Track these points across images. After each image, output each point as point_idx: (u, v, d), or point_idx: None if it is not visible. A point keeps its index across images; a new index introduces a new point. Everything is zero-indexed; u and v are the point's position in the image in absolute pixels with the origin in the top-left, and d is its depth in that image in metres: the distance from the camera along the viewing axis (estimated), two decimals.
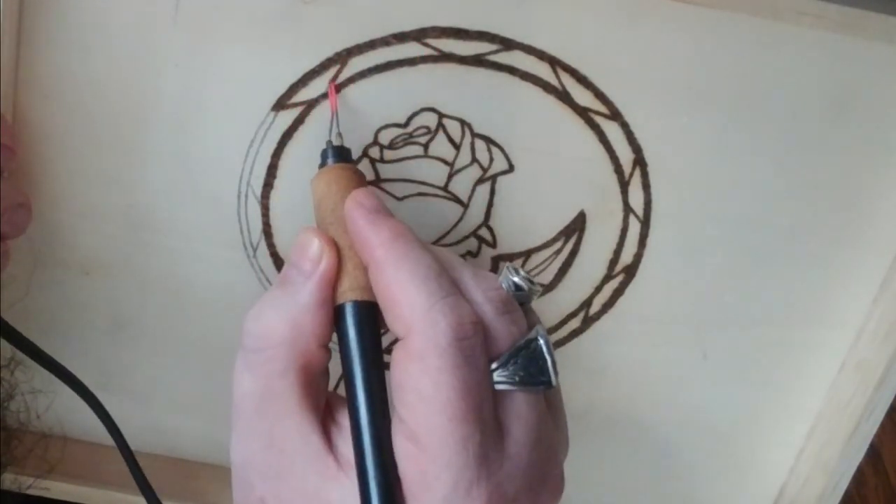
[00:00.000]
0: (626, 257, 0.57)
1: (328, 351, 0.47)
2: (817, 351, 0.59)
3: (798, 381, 0.61)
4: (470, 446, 0.41)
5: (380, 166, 0.55)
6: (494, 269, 0.58)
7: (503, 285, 0.45)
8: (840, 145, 0.53)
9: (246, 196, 0.56)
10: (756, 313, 0.59)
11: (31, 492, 0.64)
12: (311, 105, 0.53)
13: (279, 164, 0.55)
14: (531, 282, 0.46)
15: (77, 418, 0.64)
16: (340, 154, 0.50)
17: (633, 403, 0.62)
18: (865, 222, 0.56)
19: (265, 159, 0.55)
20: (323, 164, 0.50)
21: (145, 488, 0.59)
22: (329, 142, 0.51)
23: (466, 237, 0.57)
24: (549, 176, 0.55)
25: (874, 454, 0.74)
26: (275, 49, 0.52)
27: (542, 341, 0.44)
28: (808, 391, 0.61)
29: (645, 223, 0.56)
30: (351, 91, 0.53)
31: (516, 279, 0.46)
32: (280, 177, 0.55)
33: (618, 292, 0.58)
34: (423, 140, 0.54)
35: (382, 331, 0.47)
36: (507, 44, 0.51)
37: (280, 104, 0.53)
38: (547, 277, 0.58)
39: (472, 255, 0.57)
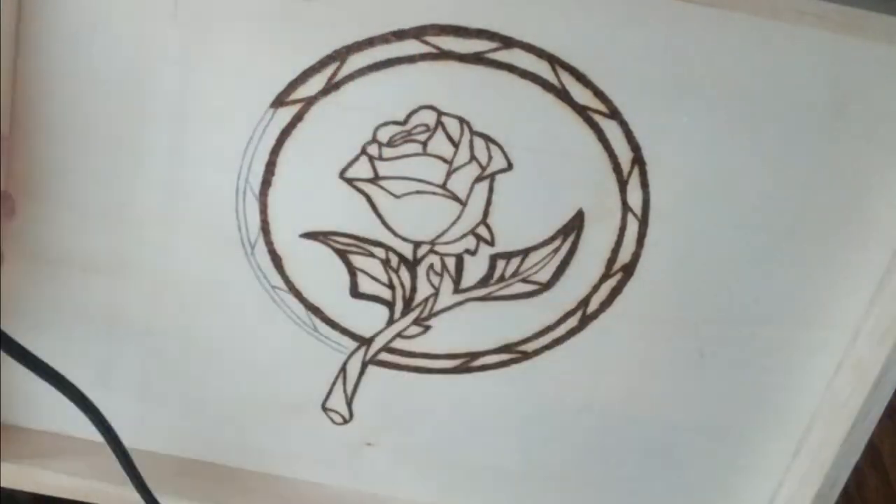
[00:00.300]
0: (625, 256, 0.57)
1: None
2: (814, 350, 0.59)
3: (795, 381, 0.60)
4: None
5: (378, 164, 0.55)
6: (492, 266, 0.58)
7: None
8: (840, 145, 0.53)
9: (244, 193, 0.56)
10: (753, 313, 0.59)
11: (32, 489, 0.64)
12: (309, 102, 0.53)
13: (277, 161, 0.55)
14: None
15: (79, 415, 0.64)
16: None
17: (630, 401, 0.62)
18: (863, 222, 0.56)
19: (263, 156, 0.55)
20: None
21: (141, 487, 0.60)
22: None
23: (465, 235, 0.57)
24: (548, 174, 0.55)
25: (874, 454, 0.74)
26: (274, 46, 0.52)
27: None
28: (805, 391, 0.61)
29: (643, 222, 0.56)
30: (350, 88, 0.53)
31: None
32: (278, 174, 0.55)
33: (616, 291, 0.58)
34: (421, 138, 0.54)
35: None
36: (507, 42, 0.51)
37: (279, 101, 0.53)
38: (545, 276, 0.58)
39: (470, 253, 0.57)
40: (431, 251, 0.57)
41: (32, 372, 0.54)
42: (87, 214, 0.57)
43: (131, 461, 0.59)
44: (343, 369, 0.62)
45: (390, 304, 0.59)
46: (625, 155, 0.54)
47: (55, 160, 0.55)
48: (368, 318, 0.60)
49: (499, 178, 0.55)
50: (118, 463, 0.59)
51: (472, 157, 0.54)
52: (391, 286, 0.59)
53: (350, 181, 0.55)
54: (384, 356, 0.61)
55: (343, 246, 0.57)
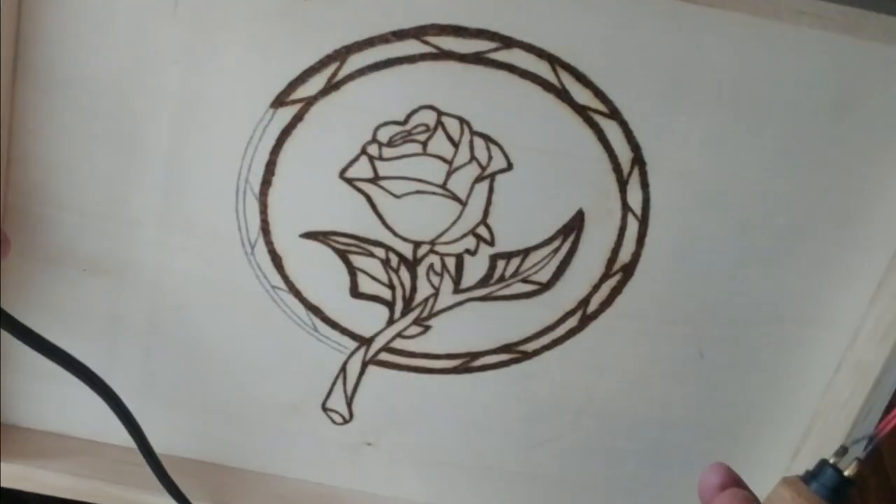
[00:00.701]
0: (624, 256, 0.57)
1: None
2: (814, 350, 0.59)
3: (795, 381, 0.60)
4: None
5: (378, 164, 0.55)
6: (492, 266, 0.58)
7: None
8: (839, 145, 0.53)
9: (244, 193, 0.56)
10: (753, 312, 0.59)
11: (32, 489, 0.64)
12: (309, 102, 0.53)
13: (277, 161, 0.55)
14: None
15: (79, 415, 0.64)
16: (838, 492, 0.43)
17: (630, 402, 0.62)
18: (863, 222, 0.56)
19: (263, 156, 0.55)
20: (812, 485, 0.43)
21: (167, 483, 0.60)
22: (835, 466, 0.43)
23: (465, 235, 0.57)
24: (548, 174, 0.55)
25: (874, 455, 0.74)
26: (274, 46, 0.52)
27: None
28: (805, 390, 0.61)
29: (643, 222, 0.56)
30: (350, 88, 0.53)
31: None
32: (278, 174, 0.55)
33: (616, 291, 0.58)
34: (421, 138, 0.54)
35: None
36: (507, 42, 0.51)
37: (279, 101, 0.53)
38: (545, 276, 0.58)
39: (470, 253, 0.57)
40: (431, 251, 0.57)
41: (45, 356, 0.55)
42: (87, 214, 0.57)
43: (142, 432, 0.60)
44: (343, 369, 0.62)
45: (390, 304, 0.59)
46: (625, 155, 0.54)
47: (55, 160, 0.55)
48: (368, 318, 0.60)
49: (499, 178, 0.55)
50: (119, 458, 0.59)
51: (472, 157, 0.54)
52: (391, 286, 0.59)
53: (350, 181, 0.55)
54: (384, 356, 0.61)
55: (343, 246, 0.57)
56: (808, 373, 0.60)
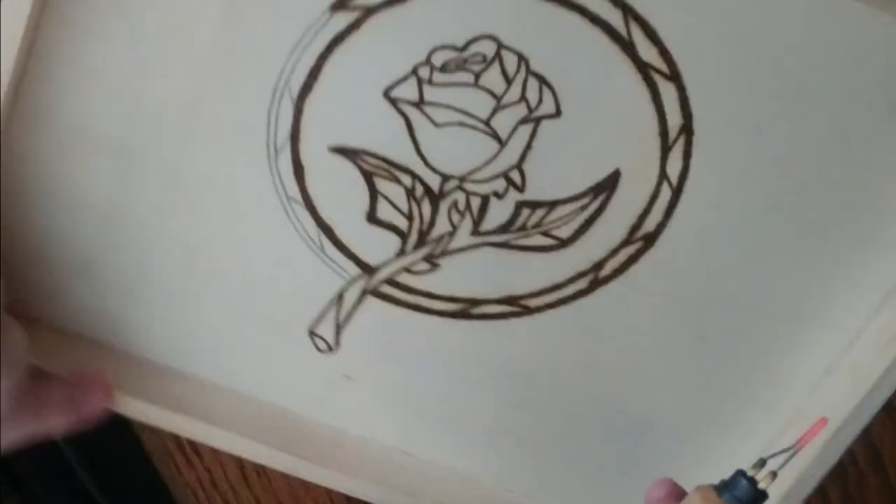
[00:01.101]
0: (649, 225, 0.57)
1: None
2: (815, 350, 0.59)
3: (790, 377, 0.61)
4: None
5: (426, 88, 0.53)
6: (516, 213, 0.57)
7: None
8: (888, 143, 0.53)
9: (282, 95, 0.54)
10: (761, 303, 0.58)
11: None
12: (370, 11, 0.52)
13: (323, 68, 0.53)
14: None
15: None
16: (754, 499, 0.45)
17: (621, 375, 0.61)
18: (882, 223, 0.56)
19: (310, 61, 0.53)
20: (724, 495, 0.45)
21: None
22: (750, 478, 0.45)
23: (496, 176, 0.56)
24: (593, 127, 0.54)
25: (875, 454, 0.74)
26: None
27: None
28: (798, 388, 0.61)
29: (676, 193, 0.56)
30: (415, 4, 0.51)
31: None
32: (321, 81, 0.54)
33: (632, 259, 0.58)
34: (476, 68, 0.53)
35: None
36: None
37: (340, 3, 0.51)
38: (566, 232, 0.57)
39: (497, 196, 0.56)
40: (459, 188, 0.56)
41: None
42: (111, 99, 0.54)
43: None
44: (340, 295, 0.60)
45: (404, 236, 0.58)
46: (675, 120, 0.54)
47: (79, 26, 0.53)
48: (378, 247, 0.58)
49: (544, 123, 0.54)
50: None
51: (523, 97, 0.53)
52: (409, 217, 0.57)
53: (393, 101, 0.54)
54: (385, 288, 0.60)
55: (370, 167, 0.56)
56: (806, 372, 0.60)
